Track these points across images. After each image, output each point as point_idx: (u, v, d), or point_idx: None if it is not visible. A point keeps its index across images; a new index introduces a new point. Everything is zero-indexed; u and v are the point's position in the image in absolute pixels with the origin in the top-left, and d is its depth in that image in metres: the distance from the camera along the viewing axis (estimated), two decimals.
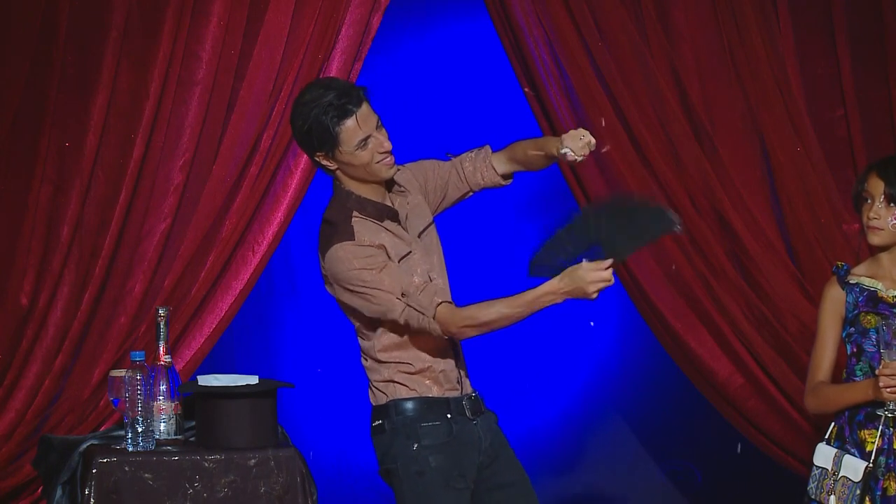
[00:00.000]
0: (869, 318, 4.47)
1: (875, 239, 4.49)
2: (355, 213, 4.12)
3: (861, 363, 4.48)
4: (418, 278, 4.06)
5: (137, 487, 4.37)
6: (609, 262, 3.91)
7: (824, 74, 5.48)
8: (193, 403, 4.58)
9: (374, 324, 4.13)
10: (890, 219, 4.46)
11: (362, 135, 4.07)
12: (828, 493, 4.40)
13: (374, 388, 4.18)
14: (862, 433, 4.43)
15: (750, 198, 5.33)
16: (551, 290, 3.94)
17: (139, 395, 4.42)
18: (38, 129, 4.88)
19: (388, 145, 4.11)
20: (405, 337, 4.12)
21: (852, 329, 4.50)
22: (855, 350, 4.50)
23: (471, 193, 4.36)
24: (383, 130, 4.12)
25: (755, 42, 5.33)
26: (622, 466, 6.05)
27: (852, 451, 4.42)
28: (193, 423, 4.59)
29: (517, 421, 5.37)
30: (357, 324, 4.18)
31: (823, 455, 4.45)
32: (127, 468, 4.38)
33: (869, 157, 5.33)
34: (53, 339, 4.90)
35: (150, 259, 4.96)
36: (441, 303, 4.01)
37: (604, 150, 4.93)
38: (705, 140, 5.32)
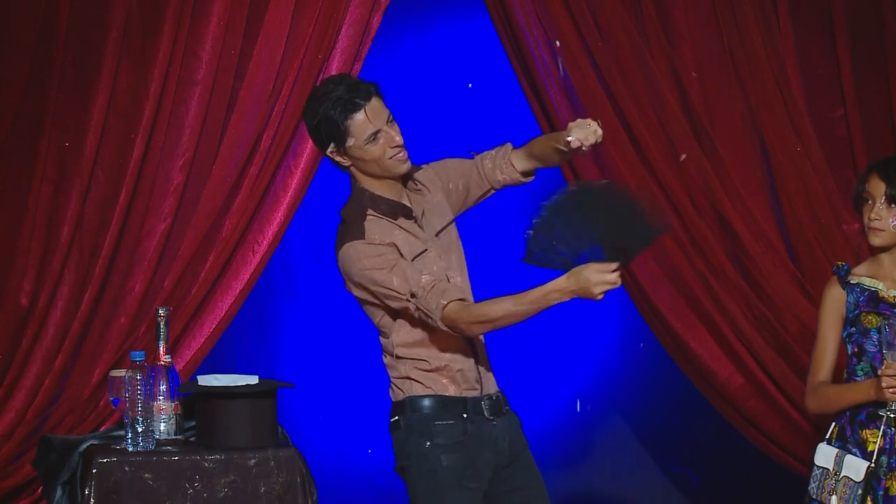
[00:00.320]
0: (870, 318, 4.47)
1: (876, 240, 4.49)
2: (370, 212, 4.12)
3: (862, 363, 4.48)
4: (428, 276, 4.05)
5: (137, 487, 4.37)
6: (615, 265, 3.91)
7: (824, 74, 5.48)
8: (193, 403, 4.58)
9: (391, 321, 4.13)
10: (891, 219, 4.46)
11: (372, 128, 4.07)
12: (829, 493, 4.40)
13: (392, 385, 4.19)
14: (863, 433, 4.43)
15: (750, 198, 5.33)
16: (557, 288, 3.94)
17: (139, 395, 4.42)
18: (38, 129, 4.88)
19: (399, 139, 4.10)
20: (422, 334, 4.12)
21: (853, 329, 4.50)
22: (856, 350, 4.50)
23: (492, 192, 4.33)
24: (395, 126, 4.11)
25: (755, 42, 5.33)
26: (622, 466, 6.05)
27: (854, 450, 4.42)
28: (193, 423, 4.59)
29: None
30: (375, 321, 4.18)
31: (825, 455, 4.45)
32: (127, 468, 4.38)
33: (869, 157, 5.33)
34: (53, 339, 4.90)
35: (150, 259, 4.96)
36: (447, 303, 4.00)
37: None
38: (705, 140, 5.32)
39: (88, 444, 4.58)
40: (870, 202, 4.49)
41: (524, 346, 5.86)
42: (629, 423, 6.05)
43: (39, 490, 4.84)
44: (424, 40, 5.89)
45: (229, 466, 4.41)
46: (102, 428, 4.84)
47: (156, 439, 4.51)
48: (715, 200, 5.29)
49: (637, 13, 5.31)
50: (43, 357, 4.89)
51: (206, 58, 4.98)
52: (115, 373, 4.58)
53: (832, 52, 5.47)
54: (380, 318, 4.15)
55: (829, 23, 5.46)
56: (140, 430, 4.43)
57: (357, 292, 4.13)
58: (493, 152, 4.31)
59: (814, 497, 4.45)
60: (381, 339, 4.20)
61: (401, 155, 4.11)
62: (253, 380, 4.54)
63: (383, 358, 4.21)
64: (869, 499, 4.36)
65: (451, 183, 4.28)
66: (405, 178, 4.21)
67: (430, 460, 4.09)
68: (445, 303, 4.00)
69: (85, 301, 4.91)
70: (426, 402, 4.12)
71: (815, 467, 4.47)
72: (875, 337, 4.43)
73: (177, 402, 4.62)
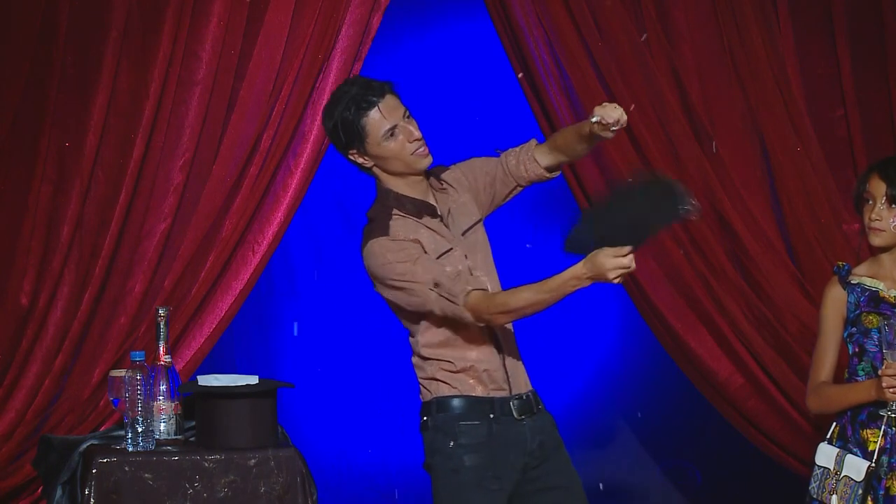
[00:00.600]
0: (871, 318, 4.47)
1: (876, 240, 4.49)
2: (395, 211, 4.11)
3: (863, 363, 4.48)
4: (451, 268, 4.04)
5: (137, 487, 4.37)
6: (628, 248, 3.89)
7: (824, 74, 5.48)
8: (193, 403, 4.58)
9: (417, 321, 4.12)
10: (891, 220, 4.46)
11: (388, 125, 4.07)
12: (830, 492, 4.40)
13: (421, 385, 4.18)
14: (864, 433, 4.43)
15: (750, 198, 5.33)
16: (574, 275, 3.92)
17: (139, 395, 4.42)
18: (38, 129, 4.88)
19: (417, 133, 4.09)
20: (447, 335, 4.11)
21: (854, 329, 4.50)
22: (857, 350, 4.50)
23: (519, 189, 4.31)
24: (413, 121, 4.11)
25: (755, 42, 5.33)
26: (622, 466, 6.05)
27: (854, 450, 4.42)
28: (193, 423, 4.59)
29: None
30: (403, 321, 4.18)
31: (825, 455, 4.45)
32: (127, 468, 4.37)
33: (869, 157, 5.33)
34: (53, 339, 4.90)
35: (150, 259, 4.96)
36: (472, 290, 3.99)
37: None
38: (705, 140, 5.32)
39: (88, 444, 4.58)
40: (870, 202, 4.49)
41: (524, 345, 5.84)
42: (629, 423, 6.04)
43: (39, 490, 4.84)
44: (424, 40, 5.89)
45: (229, 466, 4.41)
46: (102, 428, 4.84)
47: (156, 439, 4.51)
48: (715, 200, 5.29)
49: (637, 13, 5.31)
50: (43, 357, 4.89)
51: (206, 58, 4.98)
52: (115, 373, 4.58)
53: (832, 52, 5.47)
54: (406, 319, 4.15)
55: (829, 23, 5.46)
56: (140, 430, 4.43)
57: (383, 292, 4.12)
58: (517, 149, 4.29)
59: (814, 497, 4.45)
60: (410, 340, 4.20)
61: (422, 149, 4.11)
62: (253, 380, 4.54)
63: (412, 358, 4.20)
64: (869, 498, 4.36)
65: (478, 182, 4.27)
66: (430, 178, 4.20)
67: (454, 460, 4.08)
68: (470, 289, 3.99)
69: (85, 301, 4.90)
70: (452, 403, 4.11)
71: (816, 467, 4.47)
72: (876, 337, 4.43)
73: (177, 402, 4.61)
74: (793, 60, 5.43)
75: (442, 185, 4.22)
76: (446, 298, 4.00)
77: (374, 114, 4.07)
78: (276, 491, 4.41)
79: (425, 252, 4.06)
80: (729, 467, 5.93)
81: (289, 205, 5.08)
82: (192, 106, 4.99)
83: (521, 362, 4.24)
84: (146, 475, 4.38)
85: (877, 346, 4.42)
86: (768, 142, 5.36)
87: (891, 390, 4.32)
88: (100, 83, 4.90)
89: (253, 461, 4.42)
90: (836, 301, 4.53)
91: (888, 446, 4.40)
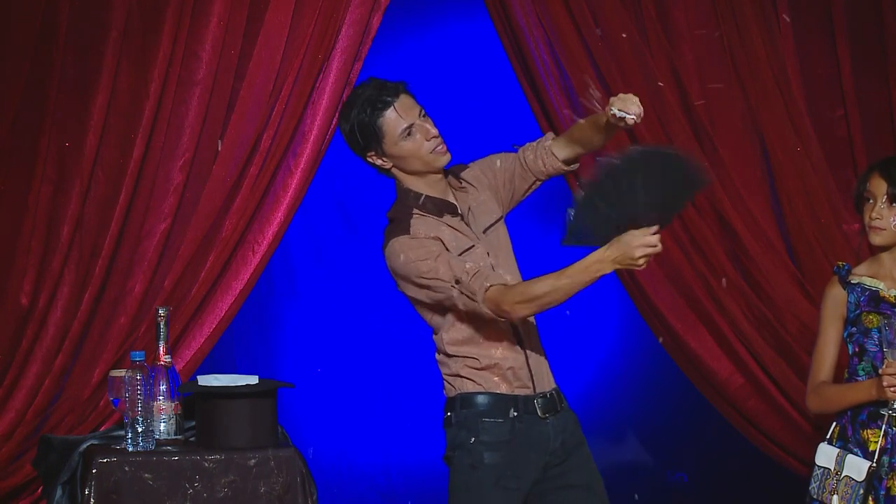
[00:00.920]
0: (871, 317, 4.47)
1: (877, 239, 4.49)
2: (416, 211, 4.11)
3: (864, 363, 4.48)
4: (472, 264, 4.03)
5: (137, 487, 4.37)
6: (655, 227, 3.87)
7: (824, 74, 5.48)
8: (193, 403, 4.58)
9: (441, 318, 4.12)
10: (892, 219, 4.46)
11: (405, 123, 4.07)
12: (830, 492, 4.40)
13: (445, 382, 4.18)
14: (865, 433, 4.43)
15: (750, 198, 5.33)
16: (599, 259, 3.89)
17: (139, 395, 4.42)
18: (38, 129, 4.88)
19: (434, 131, 4.09)
20: (471, 332, 4.10)
21: (854, 329, 4.50)
22: (857, 350, 4.50)
23: (538, 183, 4.30)
24: (429, 120, 4.11)
25: (755, 42, 5.33)
26: (622, 466, 6.05)
27: (855, 450, 4.42)
28: (193, 423, 4.59)
29: None
30: (427, 319, 4.18)
31: (826, 455, 4.45)
32: (127, 468, 4.37)
33: (869, 157, 5.33)
34: (53, 339, 4.89)
35: (150, 259, 4.96)
36: (490, 286, 3.97)
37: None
38: (705, 140, 5.32)
39: (88, 444, 4.58)
40: (871, 201, 4.49)
41: None
42: (629, 423, 6.04)
43: (39, 490, 4.84)
44: (424, 40, 5.89)
45: (229, 466, 4.41)
46: (102, 428, 4.84)
47: (156, 439, 4.51)
48: (715, 200, 5.29)
49: (637, 13, 5.31)
50: (43, 357, 4.89)
51: (206, 58, 4.98)
52: (115, 373, 4.58)
53: (832, 52, 5.47)
54: (430, 316, 4.15)
55: (829, 23, 5.46)
56: (140, 430, 4.43)
57: (408, 290, 4.11)
58: (534, 144, 4.28)
59: (815, 497, 4.45)
60: (434, 337, 4.19)
61: (440, 147, 4.11)
62: (253, 380, 4.54)
63: (436, 355, 4.20)
64: (870, 498, 4.36)
65: (497, 179, 4.27)
66: (449, 176, 4.20)
67: (473, 455, 4.08)
68: (489, 285, 3.97)
69: (85, 301, 4.90)
70: (476, 399, 4.11)
71: (817, 467, 4.47)
72: (876, 336, 4.44)
73: (177, 402, 4.61)
74: (793, 60, 5.43)
75: (461, 183, 4.22)
76: (467, 296, 3.99)
77: (390, 114, 4.07)
78: (276, 491, 4.41)
79: (447, 249, 4.06)
80: (729, 467, 5.93)
81: (289, 205, 5.07)
82: (192, 106, 4.98)
83: (545, 359, 4.23)
84: (146, 475, 4.38)
85: (877, 345, 4.43)
86: (768, 142, 5.36)
87: (891, 389, 4.33)
88: (100, 83, 4.90)
89: (253, 461, 4.42)
90: (836, 301, 4.54)
91: (889, 446, 4.40)
